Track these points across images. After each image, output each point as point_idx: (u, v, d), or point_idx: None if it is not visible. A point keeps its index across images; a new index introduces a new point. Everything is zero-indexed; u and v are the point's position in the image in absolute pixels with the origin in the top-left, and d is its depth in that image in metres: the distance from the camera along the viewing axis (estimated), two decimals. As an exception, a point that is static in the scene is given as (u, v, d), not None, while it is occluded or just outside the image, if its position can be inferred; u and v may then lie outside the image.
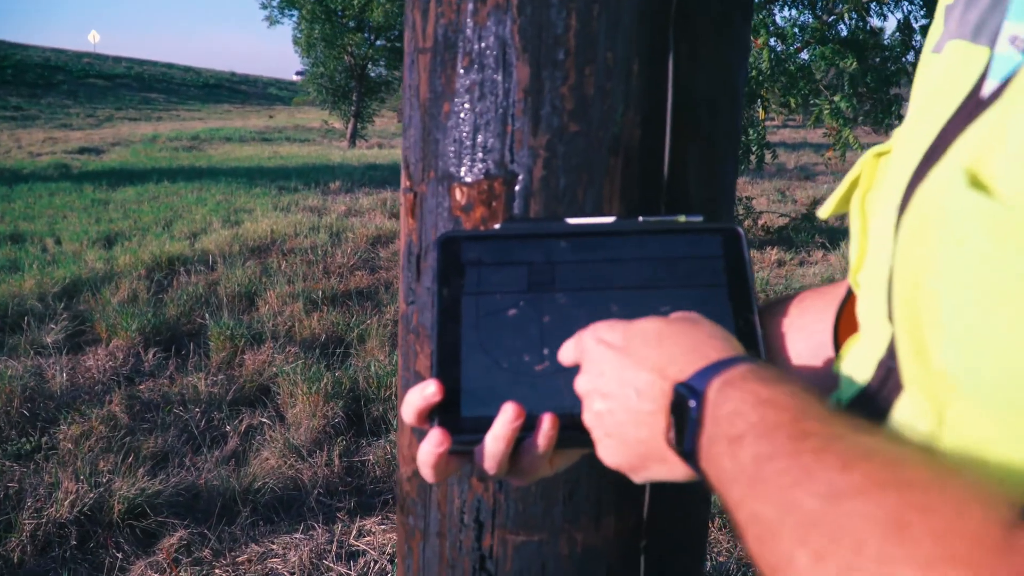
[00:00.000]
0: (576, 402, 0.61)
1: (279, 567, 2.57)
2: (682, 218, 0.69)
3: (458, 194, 0.85)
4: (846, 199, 0.66)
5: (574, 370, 0.61)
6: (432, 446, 0.59)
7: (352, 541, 2.71)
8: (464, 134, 0.84)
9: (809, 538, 0.35)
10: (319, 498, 2.94)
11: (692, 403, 0.48)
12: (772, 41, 6.66)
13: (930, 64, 0.58)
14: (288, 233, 7.08)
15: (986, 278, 0.36)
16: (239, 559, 2.61)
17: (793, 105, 7.11)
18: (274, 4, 19.33)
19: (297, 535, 2.73)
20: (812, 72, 6.76)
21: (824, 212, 0.69)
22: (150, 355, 4.15)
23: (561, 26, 0.78)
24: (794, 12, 6.96)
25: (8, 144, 16.59)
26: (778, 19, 7.05)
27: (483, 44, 0.81)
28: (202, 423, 3.46)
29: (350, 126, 19.48)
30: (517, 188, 0.82)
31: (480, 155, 0.83)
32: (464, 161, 0.84)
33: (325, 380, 3.62)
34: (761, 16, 6.83)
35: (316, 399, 3.48)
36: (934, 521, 0.31)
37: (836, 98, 6.73)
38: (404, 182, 0.94)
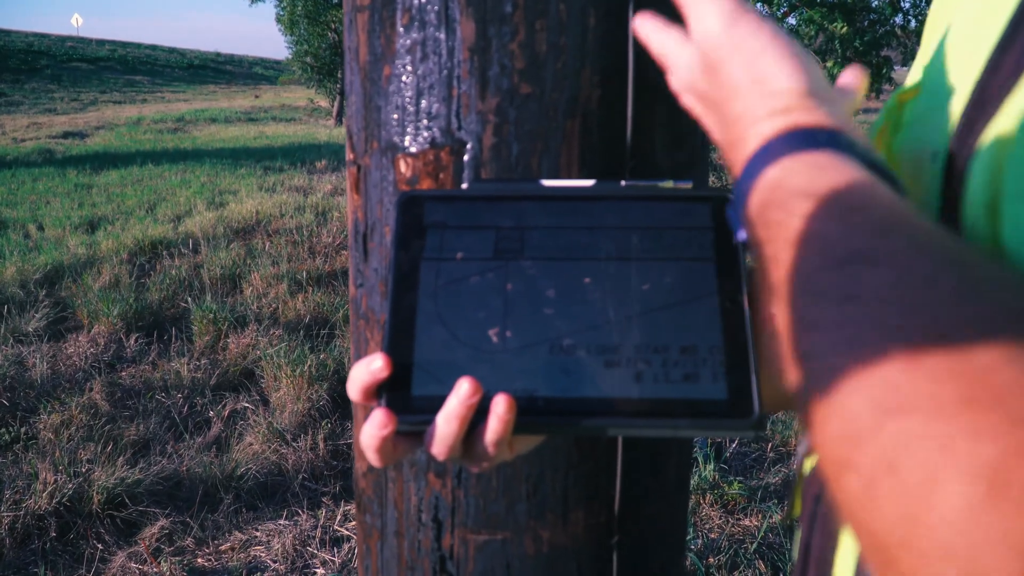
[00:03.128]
0: (537, 383, 0.54)
1: (262, 555, 2.52)
2: (669, 183, 0.62)
3: (403, 166, 0.78)
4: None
5: (537, 347, 0.55)
6: (375, 428, 0.51)
7: (336, 527, 2.66)
8: (407, 99, 0.76)
9: (861, 463, 0.27)
10: (303, 483, 2.89)
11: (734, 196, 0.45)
12: (759, 5, 6.55)
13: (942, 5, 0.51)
14: (273, 214, 6.99)
15: None
16: (222, 547, 2.56)
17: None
18: (256, -19, 19.10)
19: (281, 521, 2.68)
20: (801, 37, 6.66)
21: None
22: (132, 341, 4.08)
23: (507, -25, 0.70)
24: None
25: (-9, 130, 16.39)
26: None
27: (423, -1, 0.73)
28: (184, 409, 3.39)
29: (336, 104, 19.30)
30: (466, 158, 0.75)
31: (425, 122, 0.76)
32: (408, 130, 0.77)
33: (309, 362, 3.55)
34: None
35: (300, 382, 3.41)
36: None
37: (827, 64, 6.64)
38: (348, 154, 0.86)
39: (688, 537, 2.59)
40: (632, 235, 0.59)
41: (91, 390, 3.50)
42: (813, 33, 6.60)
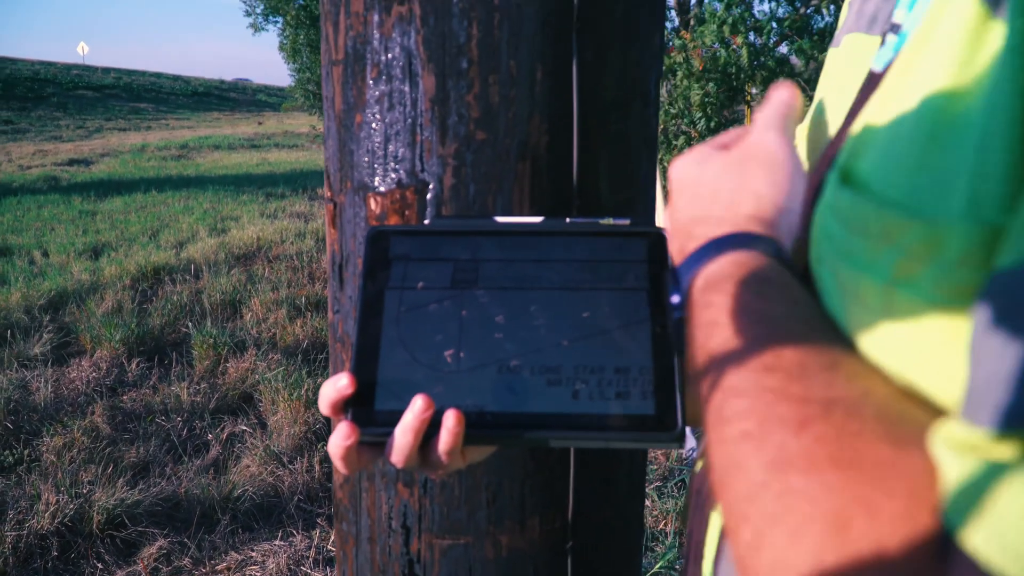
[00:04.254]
0: (486, 400, 0.61)
1: (257, 574, 2.58)
2: (609, 220, 0.69)
3: (373, 204, 0.86)
4: None
5: (487, 367, 0.62)
6: (341, 438, 0.59)
7: (330, 547, 2.72)
8: (376, 144, 0.85)
9: (750, 514, 0.34)
10: (299, 504, 2.95)
11: (675, 298, 0.50)
12: (751, 35, 6.68)
13: (830, 59, 0.59)
14: (274, 240, 7.08)
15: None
16: (218, 567, 2.62)
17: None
18: (258, 11, 19.33)
19: (276, 542, 2.74)
20: (792, 66, 6.77)
21: None
22: (133, 365, 4.16)
23: (464, 36, 0.79)
24: (772, 5, 6.99)
25: (-2, 157, 16.56)
26: (756, 13, 7.07)
27: (390, 55, 0.82)
28: (184, 432, 3.46)
29: (339, 130, 19.42)
30: (429, 196, 0.83)
31: (392, 165, 0.84)
32: (377, 171, 0.85)
33: (306, 386, 3.62)
34: (739, 11, 6.85)
35: (297, 406, 3.48)
36: (877, 525, 0.29)
37: (818, 90, 6.74)
38: (326, 192, 0.95)
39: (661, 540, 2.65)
40: (575, 267, 0.67)
41: (93, 413, 3.57)
42: (804, 62, 6.71)
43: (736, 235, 0.47)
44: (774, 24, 6.93)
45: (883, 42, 0.48)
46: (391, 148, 0.84)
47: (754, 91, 7.40)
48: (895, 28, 0.46)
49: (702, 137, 6.95)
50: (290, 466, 3.15)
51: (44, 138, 22.80)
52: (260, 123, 31.08)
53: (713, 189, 0.52)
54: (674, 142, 6.88)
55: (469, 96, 0.80)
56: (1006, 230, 0.30)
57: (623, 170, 0.89)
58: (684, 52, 6.93)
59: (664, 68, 7.14)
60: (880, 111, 0.39)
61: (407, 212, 0.85)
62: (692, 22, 7.92)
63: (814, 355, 0.37)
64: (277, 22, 19.45)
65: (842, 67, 0.54)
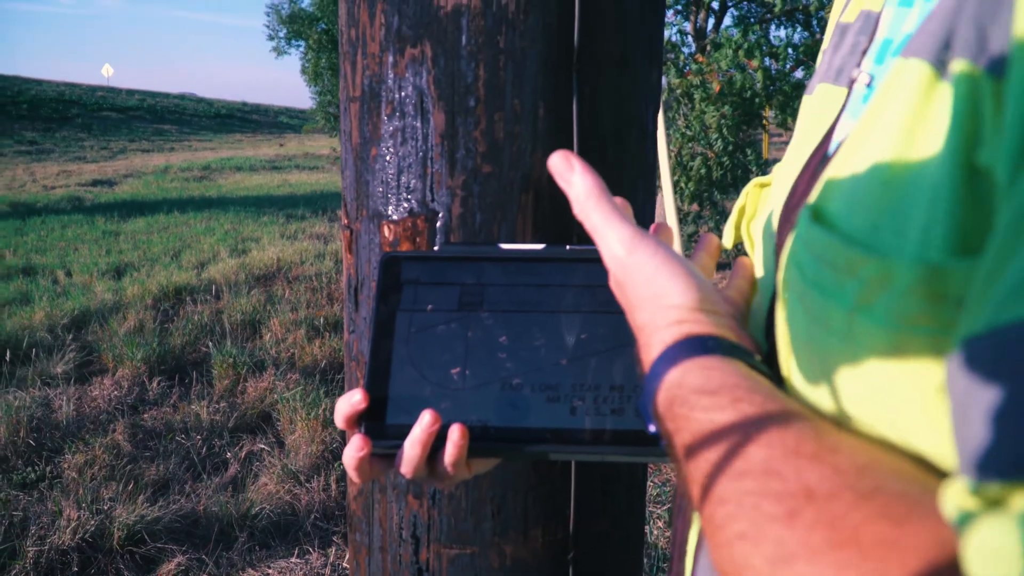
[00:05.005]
0: (489, 415, 0.66)
1: (274, 590, 2.63)
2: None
3: (387, 231, 0.92)
4: (739, 227, 0.72)
5: (490, 385, 0.67)
6: (354, 450, 0.64)
7: (345, 565, 2.76)
8: (390, 175, 0.91)
9: None
10: (315, 522, 3.00)
11: (642, 402, 0.52)
12: (767, 60, 6.74)
13: (804, 106, 0.64)
14: (294, 261, 7.18)
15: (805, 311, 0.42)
16: (235, 583, 2.67)
17: (790, 123, 7.18)
18: (281, 35, 19.62)
19: (293, 559, 2.79)
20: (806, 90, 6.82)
21: (727, 241, 0.76)
22: (154, 384, 4.23)
23: (471, 76, 0.85)
24: (788, 31, 7.06)
25: (23, 178, 16.83)
26: (772, 38, 7.14)
27: (403, 93, 0.88)
28: (203, 450, 3.53)
29: (359, 152, 19.61)
30: (438, 224, 0.89)
31: (405, 195, 0.90)
32: (391, 200, 0.91)
33: (324, 406, 3.68)
34: (756, 37, 6.92)
35: (315, 425, 3.54)
36: None
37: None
38: (343, 219, 1.01)
39: None
40: (573, 291, 0.72)
41: (114, 431, 3.64)
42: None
43: (680, 343, 0.49)
44: (790, 50, 7.00)
45: (849, 93, 0.53)
46: (404, 179, 0.90)
47: (771, 114, 7.45)
48: (865, 80, 0.51)
49: (718, 158, 7.00)
50: (307, 484, 3.20)
51: (68, 159, 23.15)
52: (282, 145, 31.42)
53: (639, 296, 0.53)
54: (690, 163, 6.93)
55: (476, 132, 0.86)
56: (969, 297, 0.34)
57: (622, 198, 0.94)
58: (701, 76, 7.00)
59: (680, 92, 7.21)
60: (848, 158, 0.44)
61: (418, 239, 0.90)
62: (709, 47, 8.00)
63: (777, 445, 0.40)
64: (299, 46, 19.73)
65: (814, 115, 0.59)
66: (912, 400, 0.37)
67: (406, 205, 0.90)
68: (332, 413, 3.57)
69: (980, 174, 0.34)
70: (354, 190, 0.96)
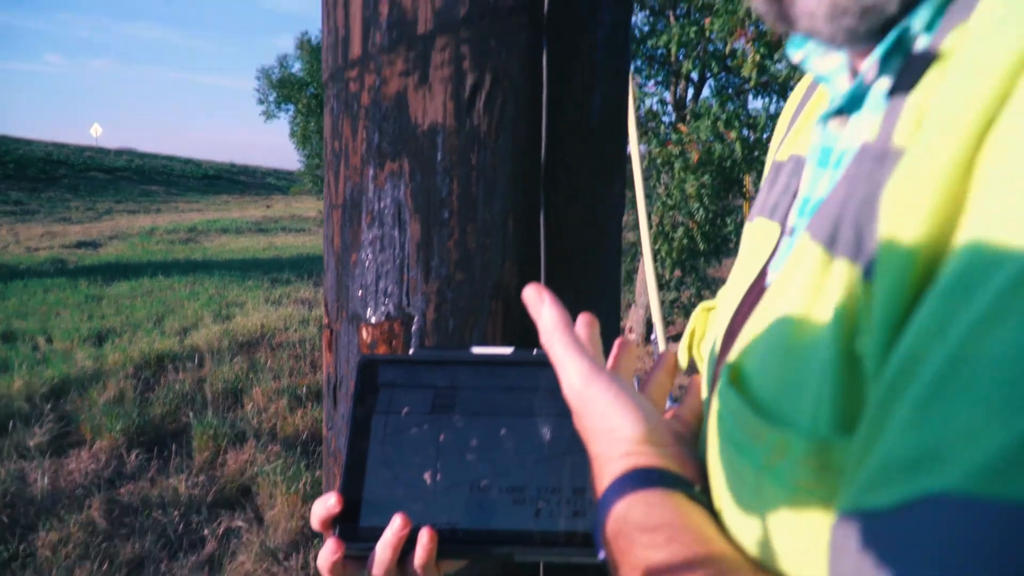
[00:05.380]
0: (458, 517, 0.69)
1: (249, 672, 2.58)
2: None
3: (365, 333, 0.95)
4: (690, 348, 0.76)
5: (460, 487, 0.70)
6: (328, 553, 0.66)
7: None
8: (369, 281, 0.94)
9: None
10: (293, 600, 2.96)
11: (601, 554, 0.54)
12: (744, 131, 6.90)
13: (745, 233, 0.68)
14: (278, 327, 7.18)
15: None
16: (210, 664, 2.62)
17: (769, 192, 7.31)
18: (271, 99, 19.89)
19: (269, 638, 2.75)
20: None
21: (681, 361, 0.79)
22: (132, 456, 4.19)
23: (446, 190, 0.89)
24: (765, 101, 7.24)
25: (7, 239, 16.79)
26: (750, 109, 7.31)
27: (382, 204, 0.92)
28: (180, 527, 3.48)
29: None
30: (414, 328, 0.92)
31: (382, 299, 0.93)
32: (370, 304, 0.94)
33: (305, 479, 3.66)
34: (734, 107, 7.09)
35: (295, 500, 3.51)
36: None
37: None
38: (324, 319, 1.04)
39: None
40: (540, 395, 0.76)
41: (90, 507, 3.60)
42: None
43: (627, 476, 0.52)
44: (768, 120, 7.17)
45: (781, 233, 0.57)
46: (382, 284, 0.93)
47: (751, 181, 7.59)
48: (790, 228, 0.55)
49: (700, 228, 7.11)
50: (285, 563, 3.16)
51: (53, 219, 23.13)
52: (268, 206, 31.56)
53: (594, 429, 0.56)
54: (672, 233, 7.03)
55: (450, 242, 0.90)
56: (844, 473, 0.37)
57: (586, 306, 0.98)
58: (681, 145, 7.15)
59: (661, 161, 7.34)
60: (764, 317, 0.48)
61: (394, 342, 0.93)
62: (688, 117, 8.18)
63: None
64: (289, 110, 20.00)
65: (752, 246, 0.63)
66: (813, 556, 0.40)
67: (384, 309, 0.93)
68: (313, 488, 3.55)
69: (858, 360, 0.38)
70: (335, 292, 0.99)
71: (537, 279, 0.92)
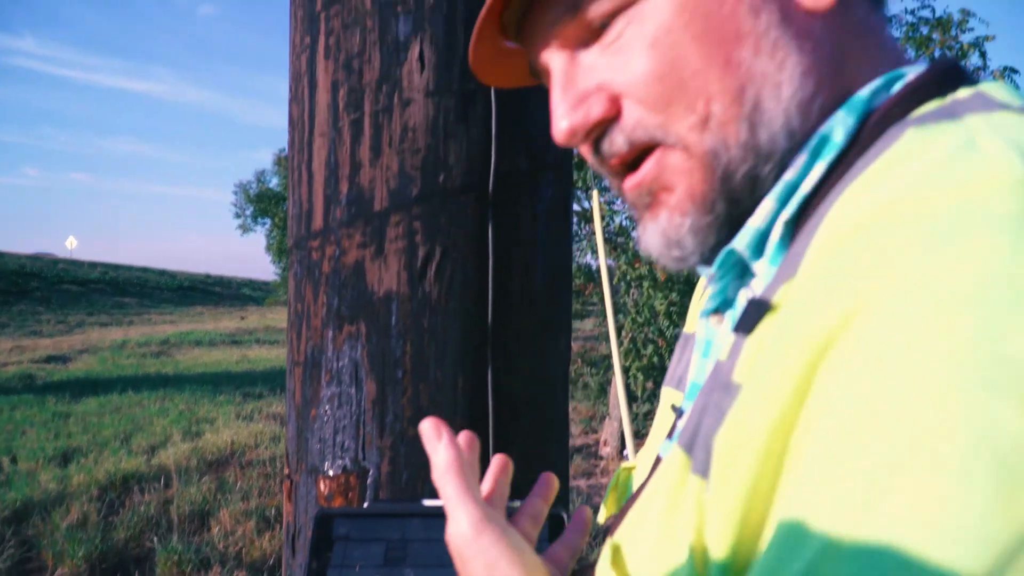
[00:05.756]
0: None
1: None
2: (517, 503, 0.84)
3: (322, 485, 1.01)
4: (610, 505, 0.82)
5: None
6: None
7: None
8: (327, 435, 1.01)
9: None
10: None
11: None
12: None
13: (661, 398, 0.75)
14: (248, 444, 7.10)
15: None
16: None
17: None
18: (248, 213, 20.15)
19: None
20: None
21: (601, 517, 0.85)
22: (94, 583, 4.09)
23: (400, 351, 0.97)
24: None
25: (-25, 355, 16.57)
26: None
27: (340, 364, 0.99)
28: (141, 657, 3.38)
29: (319, 327, 19.74)
30: (369, 481, 0.98)
31: (339, 453, 1.00)
32: (327, 457, 1.00)
33: (269, 606, 3.58)
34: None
35: (259, 627, 3.43)
36: None
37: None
38: (285, 469, 1.09)
39: None
40: None
41: (48, 637, 3.49)
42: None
43: None
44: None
45: (678, 415, 0.64)
46: (339, 439, 0.99)
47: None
48: (678, 413, 0.62)
49: (669, 345, 7.22)
50: None
51: (24, 333, 22.87)
52: (243, 317, 31.44)
53: None
54: (643, 351, 7.13)
55: (403, 400, 0.97)
56: None
57: (534, 455, 1.04)
58: (649, 264, 7.34)
59: (631, 278, 7.51)
60: (640, 514, 0.54)
61: (350, 494, 0.99)
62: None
63: None
64: (265, 223, 20.24)
65: (662, 413, 0.70)
66: None
67: (340, 462, 0.99)
68: (278, 614, 3.47)
69: (709, 569, 0.43)
70: (295, 444, 1.05)
71: (487, 433, 0.99)
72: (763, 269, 0.51)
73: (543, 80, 0.61)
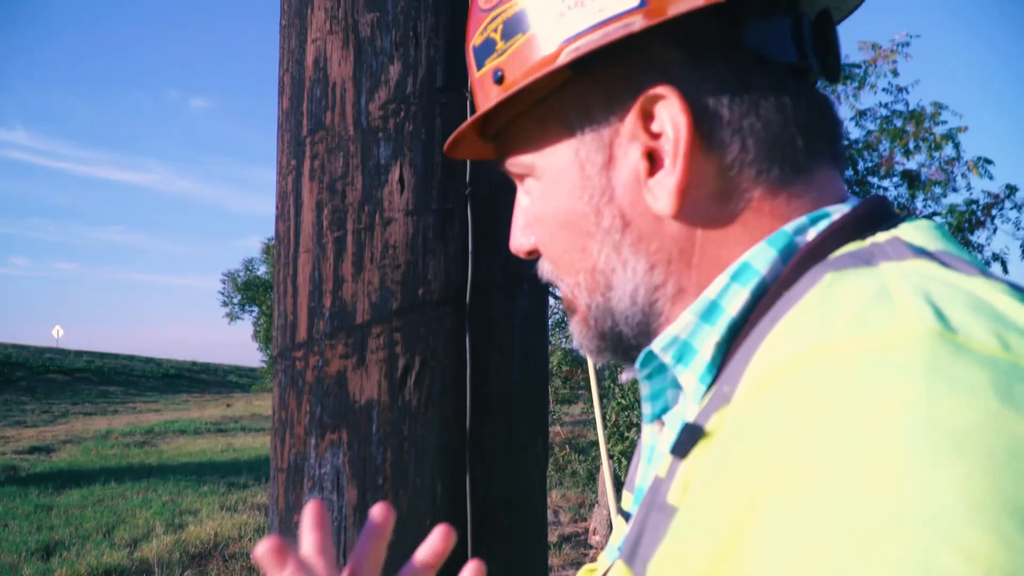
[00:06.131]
0: None
1: None
2: None
3: (304, 591, 1.03)
4: None
5: None
6: None
7: None
8: (309, 541, 1.03)
9: None
10: None
11: None
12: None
13: (622, 500, 0.78)
14: (232, 536, 6.98)
15: None
16: None
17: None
18: (235, 301, 20.17)
19: None
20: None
21: None
22: None
23: (380, 458, 1.01)
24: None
25: (-43, 446, 16.29)
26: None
27: (323, 470, 1.03)
28: None
29: (307, 414, 19.57)
30: (350, 587, 1.00)
31: (321, 559, 1.02)
32: (310, 563, 1.03)
33: None
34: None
35: None
36: None
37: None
38: (268, 574, 1.11)
39: None
40: None
41: None
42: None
43: None
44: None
45: (627, 519, 0.67)
46: (321, 545, 1.02)
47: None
48: (627, 517, 0.65)
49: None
50: None
51: (7, 423, 22.53)
52: (229, 405, 31.10)
53: None
54: (626, 434, 7.13)
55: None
56: None
57: (513, 556, 1.07)
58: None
59: (615, 363, 7.53)
60: None
61: (332, 600, 1.01)
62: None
63: None
64: (253, 311, 20.26)
65: (620, 518, 0.73)
66: None
67: (322, 568, 1.02)
68: None
69: None
70: (277, 550, 1.08)
71: (465, 537, 1.02)
72: (691, 383, 0.55)
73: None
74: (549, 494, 8.39)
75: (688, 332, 0.55)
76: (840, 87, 6.80)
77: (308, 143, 1.06)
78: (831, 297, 0.46)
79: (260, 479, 10.80)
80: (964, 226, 7.19)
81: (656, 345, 0.56)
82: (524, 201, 0.68)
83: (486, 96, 0.62)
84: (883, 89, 6.88)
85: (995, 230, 7.32)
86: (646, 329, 0.59)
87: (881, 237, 0.52)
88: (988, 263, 7.50)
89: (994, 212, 7.18)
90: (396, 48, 1.03)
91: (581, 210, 0.59)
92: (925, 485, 0.33)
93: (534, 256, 0.67)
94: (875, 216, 0.55)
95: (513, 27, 0.59)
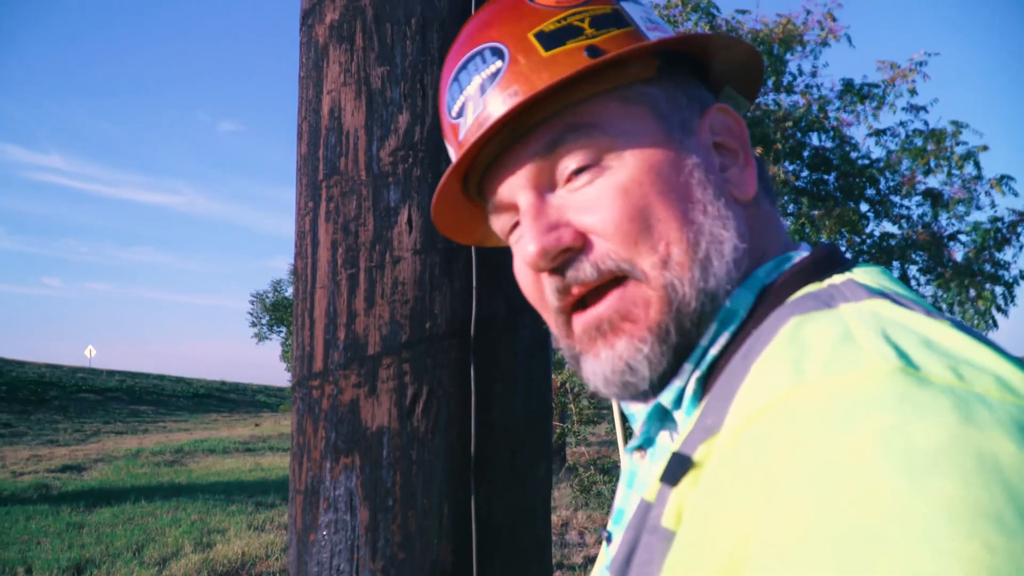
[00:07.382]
0: None
1: None
2: None
3: (320, 606, 1.10)
4: None
5: None
6: None
7: None
8: (324, 558, 1.10)
9: None
10: None
11: None
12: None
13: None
14: (259, 555, 7.07)
15: None
16: None
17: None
18: (264, 322, 20.36)
19: None
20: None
21: None
22: None
23: (390, 481, 1.08)
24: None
25: (-8, 464, 16.57)
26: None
27: (337, 492, 1.10)
28: None
29: (334, 433, 19.65)
30: (362, 602, 1.07)
31: (335, 575, 1.09)
32: (325, 580, 1.10)
33: None
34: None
35: None
36: None
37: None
38: (287, 590, 1.19)
39: None
40: None
41: None
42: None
43: None
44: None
45: (608, 541, 0.73)
46: (335, 562, 1.09)
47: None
48: (606, 537, 0.71)
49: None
50: None
51: (41, 442, 22.85)
52: (257, 424, 31.31)
53: None
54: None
55: (394, 526, 1.07)
56: None
57: (516, 574, 1.14)
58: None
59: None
60: None
61: (345, 615, 1.08)
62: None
63: None
64: (280, 332, 20.45)
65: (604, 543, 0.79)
66: None
67: (336, 585, 1.09)
68: None
69: None
70: (296, 567, 1.15)
71: (470, 557, 1.09)
72: (680, 417, 0.63)
73: (502, 214, 0.70)
74: (575, 515, 8.40)
75: (685, 379, 0.62)
76: (859, 106, 6.82)
77: (324, 187, 1.15)
78: (800, 339, 0.51)
79: (288, 498, 10.88)
80: (989, 243, 7.16)
81: (664, 398, 0.63)
82: (530, 206, 0.65)
83: (565, 67, 0.63)
84: (902, 108, 6.90)
85: (1021, 247, 7.28)
86: (711, 311, 0.62)
87: (837, 279, 0.59)
88: (1016, 282, 7.42)
89: (1020, 229, 7.14)
90: (405, 99, 1.11)
91: (684, 179, 0.64)
92: (909, 504, 0.37)
93: (573, 250, 0.63)
94: (830, 261, 0.62)
95: (606, 22, 0.65)
